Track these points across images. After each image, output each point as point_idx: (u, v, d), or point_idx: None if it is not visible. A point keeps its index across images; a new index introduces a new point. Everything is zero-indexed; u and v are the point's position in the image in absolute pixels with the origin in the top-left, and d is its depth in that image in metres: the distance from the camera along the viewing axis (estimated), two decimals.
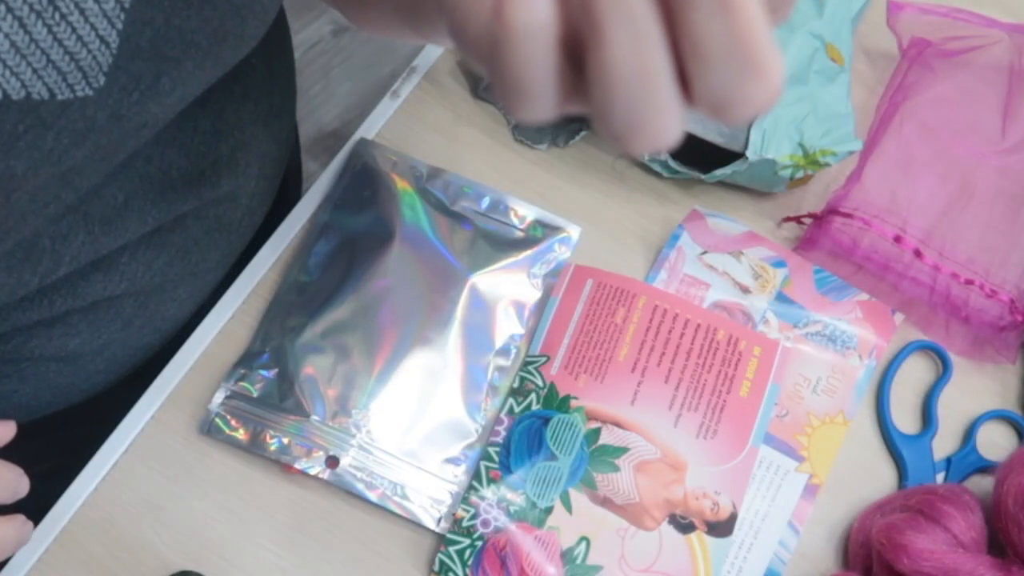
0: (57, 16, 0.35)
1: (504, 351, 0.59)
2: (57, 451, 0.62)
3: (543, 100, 0.27)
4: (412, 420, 0.57)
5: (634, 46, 0.24)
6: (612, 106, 0.25)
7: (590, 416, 0.57)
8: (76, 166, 0.42)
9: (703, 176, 0.62)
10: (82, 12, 0.36)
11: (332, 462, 0.55)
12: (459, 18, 0.28)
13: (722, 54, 0.24)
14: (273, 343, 0.58)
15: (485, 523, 0.55)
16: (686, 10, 0.24)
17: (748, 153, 0.60)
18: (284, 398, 0.56)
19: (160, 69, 0.40)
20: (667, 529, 0.55)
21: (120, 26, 0.37)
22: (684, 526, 0.55)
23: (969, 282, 0.60)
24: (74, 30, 0.36)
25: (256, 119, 0.57)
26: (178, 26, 0.39)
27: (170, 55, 0.40)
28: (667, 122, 0.26)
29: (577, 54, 0.26)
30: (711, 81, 0.25)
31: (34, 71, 0.35)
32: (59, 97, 0.37)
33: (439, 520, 0.56)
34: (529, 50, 0.26)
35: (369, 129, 0.66)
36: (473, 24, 0.27)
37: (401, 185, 0.62)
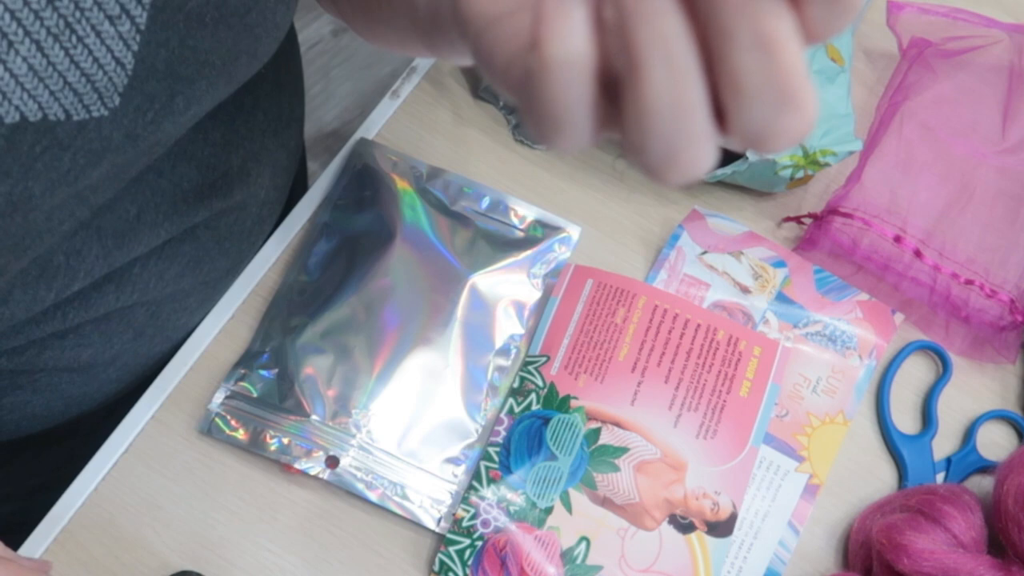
0: (74, 39, 0.35)
1: (504, 351, 0.59)
2: (63, 460, 0.62)
3: (578, 131, 0.27)
4: (412, 420, 0.57)
5: (671, 82, 0.24)
6: (647, 139, 0.25)
7: (590, 416, 0.57)
8: (91, 184, 0.42)
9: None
10: (99, 35, 0.36)
11: (332, 462, 0.55)
12: (486, 45, 0.27)
13: (762, 90, 0.24)
14: (273, 343, 0.58)
15: (485, 523, 0.55)
16: (726, 47, 0.24)
17: (748, 153, 0.60)
18: (284, 398, 0.56)
19: (174, 89, 0.40)
20: (667, 529, 0.55)
21: (136, 48, 0.37)
22: (684, 526, 0.55)
23: (969, 282, 0.60)
24: (90, 52, 0.36)
25: (266, 129, 0.57)
26: (192, 47, 0.40)
27: (184, 75, 0.40)
28: (701, 154, 0.26)
29: (611, 83, 0.26)
30: (749, 116, 0.25)
31: (51, 93, 0.35)
32: (75, 118, 0.37)
33: (439, 520, 0.56)
34: (566, 84, 0.25)
35: (369, 129, 0.66)
36: (502, 52, 0.27)
37: (401, 185, 0.62)
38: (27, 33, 0.34)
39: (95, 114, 0.37)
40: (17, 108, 0.35)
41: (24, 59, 0.34)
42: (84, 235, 0.47)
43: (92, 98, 0.37)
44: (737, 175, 0.62)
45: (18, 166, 0.36)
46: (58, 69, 0.35)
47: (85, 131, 0.37)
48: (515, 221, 0.63)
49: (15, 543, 0.53)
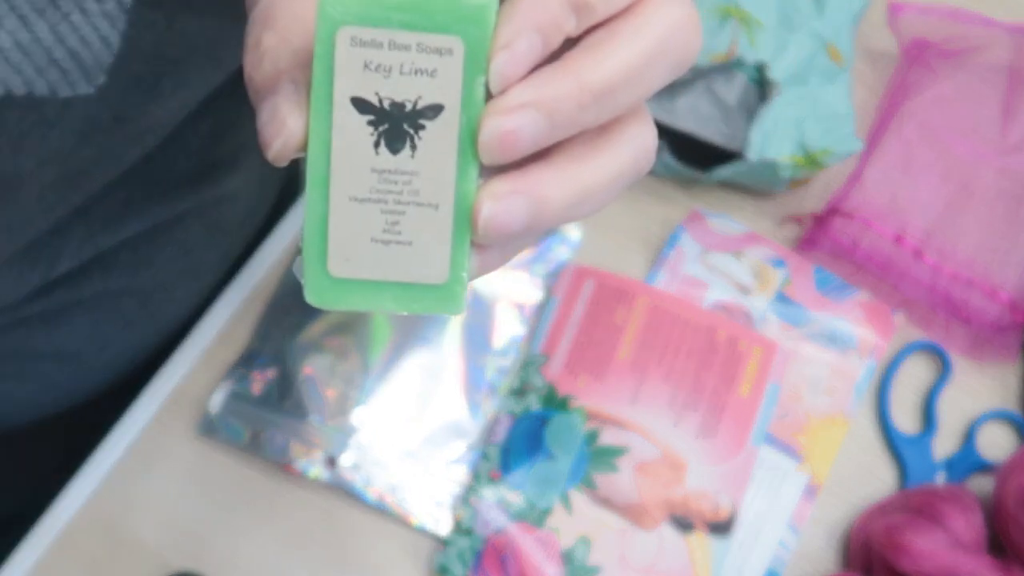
0: (59, 15, 0.35)
1: (504, 351, 0.59)
2: (60, 456, 0.62)
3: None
4: (412, 420, 0.57)
5: None
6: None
7: (590, 416, 0.57)
8: (84, 168, 0.42)
9: (703, 176, 0.62)
10: (83, 12, 0.36)
11: (331, 462, 0.55)
12: None
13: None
14: (273, 343, 0.58)
15: (485, 523, 0.55)
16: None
17: (748, 153, 0.60)
18: (284, 398, 0.56)
19: (161, 70, 0.40)
20: (667, 529, 0.55)
21: (122, 27, 0.37)
22: (684, 526, 0.55)
23: (969, 282, 0.60)
24: (76, 29, 0.36)
25: None
26: (179, 29, 0.40)
27: (171, 57, 0.40)
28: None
29: None
30: None
31: (36, 69, 0.36)
32: (60, 95, 0.37)
33: (439, 520, 0.55)
34: None
35: None
36: None
37: None
38: (11, 7, 0.34)
39: (80, 92, 0.37)
40: (3, 82, 0.35)
41: (9, 33, 0.34)
42: (69, 216, 0.47)
43: (77, 75, 0.37)
44: (737, 175, 0.62)
45: (5, 139, 0.36)
46: (44, 45, 0.35)
47: (71, 109, 0.37)
48: None
49: (16, 540, 0.54)
